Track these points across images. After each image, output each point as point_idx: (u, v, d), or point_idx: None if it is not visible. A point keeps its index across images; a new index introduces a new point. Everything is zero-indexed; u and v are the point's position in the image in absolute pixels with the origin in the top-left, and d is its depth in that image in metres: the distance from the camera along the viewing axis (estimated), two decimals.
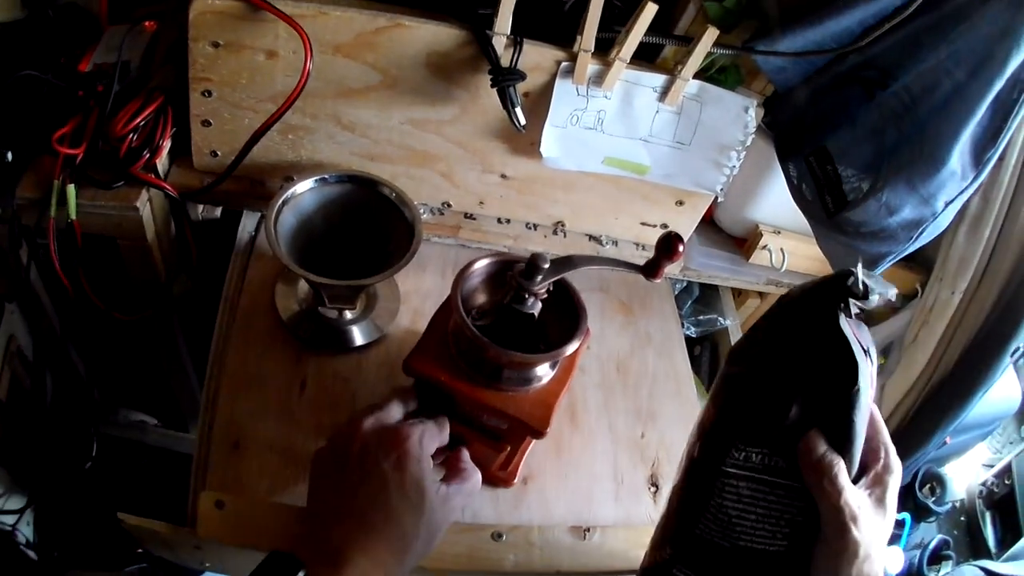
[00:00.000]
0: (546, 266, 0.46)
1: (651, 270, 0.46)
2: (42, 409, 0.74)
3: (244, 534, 0.52)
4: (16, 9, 0.76)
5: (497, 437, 0.53)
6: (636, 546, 0.58)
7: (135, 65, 0.67)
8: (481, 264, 0.50)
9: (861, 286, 0.39)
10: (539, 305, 0.48)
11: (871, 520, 0.41)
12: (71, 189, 0.62)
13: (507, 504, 0.57)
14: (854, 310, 0.40)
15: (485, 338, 0.46)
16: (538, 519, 0.57)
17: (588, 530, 0.57)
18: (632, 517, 0.59)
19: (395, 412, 0.49)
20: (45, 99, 0.67)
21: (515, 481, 0.58)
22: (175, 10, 0.69)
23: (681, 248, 0.44)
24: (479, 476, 0.51)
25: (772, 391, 0.41)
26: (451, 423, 0.51)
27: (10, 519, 0.76)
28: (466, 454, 0.52)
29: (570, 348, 0.47)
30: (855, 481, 0.42)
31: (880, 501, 0.42)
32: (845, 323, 0.39)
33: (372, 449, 0.46)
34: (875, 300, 0.39)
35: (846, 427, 0.40)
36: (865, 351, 0.41)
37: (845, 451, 0.40)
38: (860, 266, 0.39)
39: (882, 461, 0.43)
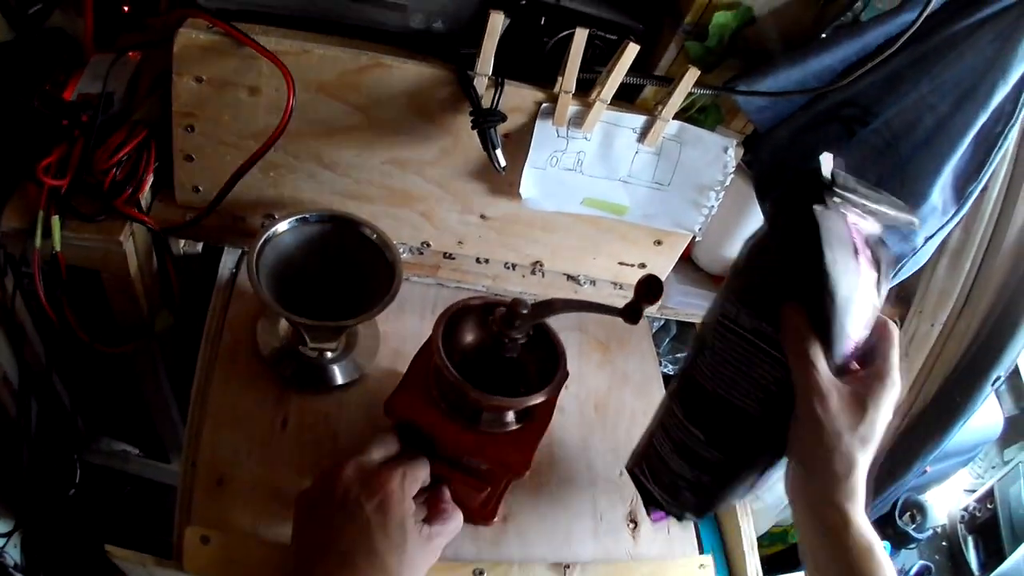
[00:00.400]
0: (525, 312, 0.46)
1: (632, 314, 0.45)
2: (27, 435, 0.75)
3: (229, 569, 0.53)
4: (4, 31, 0.76)
5: (478, 476, 0.54)
6: None
7: (119, 96, 0.67)
8: (462, 306, 0.51)
9: (829, 175, 0.44)
10: (519, 348, 0.49)
11: (843, 410, 0.43)
12: (56, 221, 0.62)
13: (487, 542, 0.58)
14: (836, 200, 0.44)
15: (466, 382, 0.47)
16: (518, 556, 0.58)
17: (568, 567, 0.58)
18: (611, 554, 0.60)
19: (377, 455, 0.50)
20: (29, 126, 0.67)
21: (495, 520, 0.58)
22: (159, 42, 0.69)
23: (660, 292, 0.44)
24: (460, 515, 0.52)
25: (766, 263, 0.47)
26: (432, 463, 0.52)
27: None
28: (447, 494, 0.53)
29: (546, 394, 0.48)
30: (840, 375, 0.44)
31: (860, 400, 0.44)
32: (824, 215, 0.43)
33: (355, 492, 0.47)
34: (850, 189, 0.45)
35: (821, 316, 0.43)
36: (873, 259, 0.46)
37: (823, 341, 0.44)
38: (826, 155, 0.45)
39: (876, 367, 0.45)
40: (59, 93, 0.69)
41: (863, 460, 0.45)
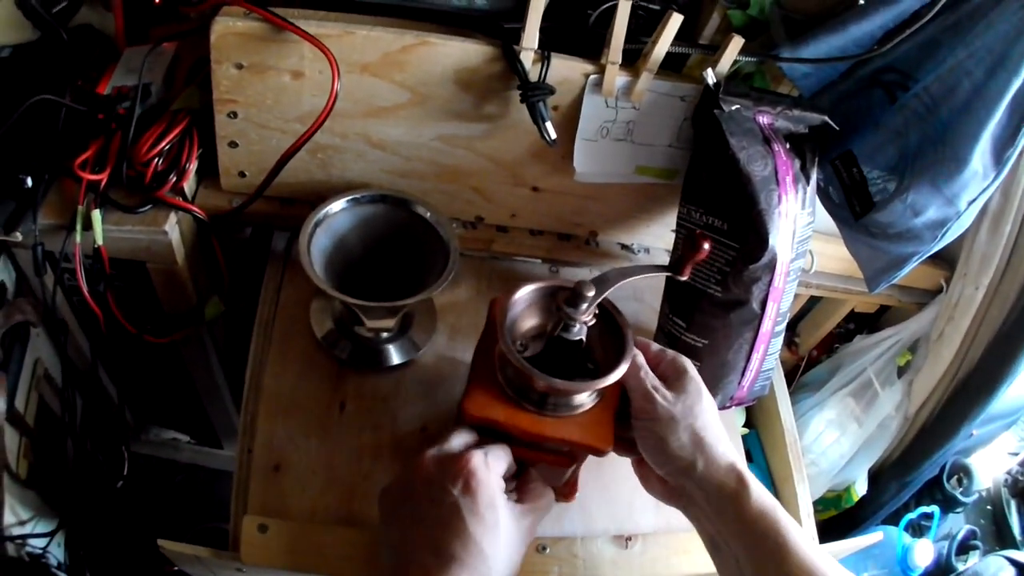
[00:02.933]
0: (591, 293, 0.46)
1: (677, 268, 0.49)
2: (72, 431, 0.75)
3: (288, 558, 0.53)
4: (27, 31, 0.76)
5: (560, 456, 0.54)
6: (677, 552, 0.59)
7: (156, 87, 0.67)
8: (522, 293, 0.50)
9: (712, 83, 0.58)
10: (585, 330, 0.49)
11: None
12: (96, 214, 0.62)
13: (550, 517, 0.58)
14: (727, 107, 0.58)
15: (541, 372, 0.46)
16: (581, 530, 0.58)
17: (630, 539, 0.59)
18: (672, 524, 0.60)
19: (456, 443, 0.49)
20: (63, 123, 0.67)
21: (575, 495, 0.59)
22: (195, 31, 0.70)
23: (707, 246, 0.47)
24: (551, 492, 0.51)
25: (698, 165, 0.61)
26: (514, 449, 0.51)
27: (41, 542, 0.77)
28: (533, 473, 0.52)
29: (622, 370, 0.48)
30: None
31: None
32: (725, 116, 0.58)
33: (437, 479, 0.45)
34: (740, 93, 0.58)
35: (746, 197, 0.56)
36: (794, 148, 0.60)
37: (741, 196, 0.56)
38: (708, 70, 0.58)
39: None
40: (92, 88, 0.70)
41: (717, 418, 0.50)
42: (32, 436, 0.75)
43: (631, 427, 0.52)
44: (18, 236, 0.64)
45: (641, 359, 0.51)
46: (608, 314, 0.52)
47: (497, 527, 0.45)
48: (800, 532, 0.46)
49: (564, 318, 0.48)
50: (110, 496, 0.76)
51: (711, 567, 0.60)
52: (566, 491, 0.58)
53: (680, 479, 0.50)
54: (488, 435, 0.51)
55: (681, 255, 0.49)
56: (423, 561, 0.43)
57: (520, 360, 0.47)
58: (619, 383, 0.50)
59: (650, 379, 0.50)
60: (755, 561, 0.46)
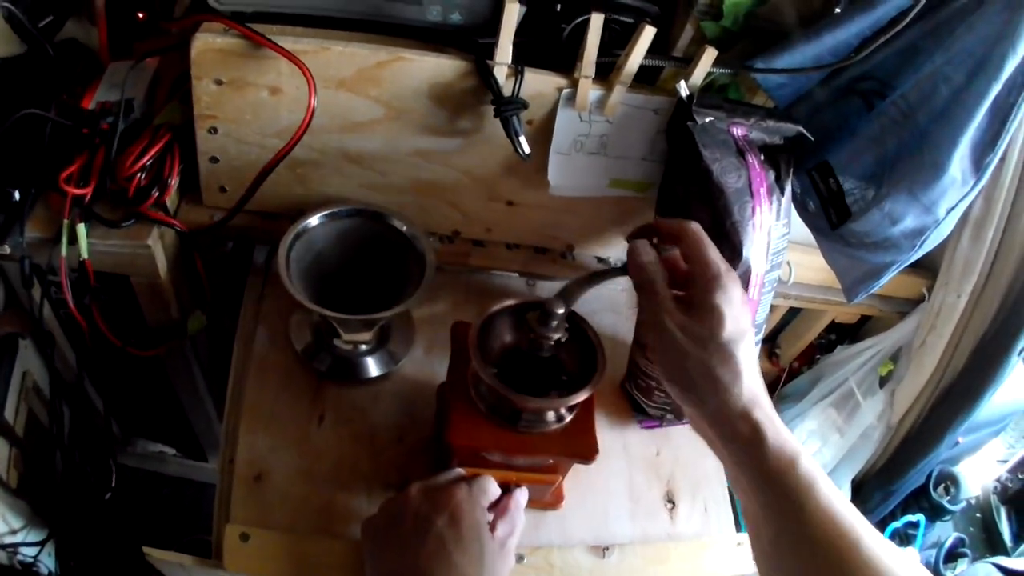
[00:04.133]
0: (560, 311, 0.47)
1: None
2: (60, 442, 0.77)
3: (270, 566, 0.54)
4: (14, 44, 0.78)
5: (545, 470, 0.55)
6: (654, 562, 0.60)
7: (139, 102, 0.68)
8: (491, 312, 0.51)
9: (685, 95, 0.59)
10: (555, 347, 0.50)
11: (695, 320, 0.43)
12: (82, 228, 0.64)
13: (527, 526, 0.59)
14: (700, 119, 0.59)
15: (517, 393, 0.47)
16: (558, 540, 0.59)
17: (606, 549, 0.59)
18: (649, 534, 0.61)
19: (442, 478, 0.51)
20: (49, 137, 0.68)
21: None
22: (177, 47, 0.71)
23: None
24: (521, 511, 0.53)
25: (672, 178, 0.62)
26: (500, 473, 0.53)
27: (32, 551, 0.78)
28: (512, 496, 0.53)
29: (591, 389, 0.49)
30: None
31: (706, 304, 0.43)
32: (698, 128, 0.58)
33: (424, 509, 0.47)
34: (713, 105, 0.59)
35: (720, 207, 0.57)
36: (767, 160, 0.60)
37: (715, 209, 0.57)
38: (680, 82, 0.59)
39: (700, 270, 0.45)
40: (77, 103, 0.71)
41: (744, 356, 0.43)
42: (22, 446, 0.77)
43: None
44: (6, 249, 0.65)
45: (657, 275, 0.45)
46: (576, 324, 0.52)
47: (482, 558, 0.46)
48: (823, 491, 0.41)
49: (536, 337, 0.48)
50: (99, 507, 0.78)
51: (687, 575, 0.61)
52: (552, 500, 0.59)
53: (691, 412, 0.46)
54: (476, 459, 0.52)
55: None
56: None
57: (496, 383, 0.47)
58: (594, 397, 0.51)
59: (665, 305, 0.44)
60: (773, 526, 0.43)
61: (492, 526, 0.50)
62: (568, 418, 0.52)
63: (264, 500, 0.58)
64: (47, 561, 0.80)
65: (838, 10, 0.63)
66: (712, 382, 0.43)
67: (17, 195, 0.66)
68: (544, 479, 0.56)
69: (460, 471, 0.52)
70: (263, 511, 0.57)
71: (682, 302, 0.45)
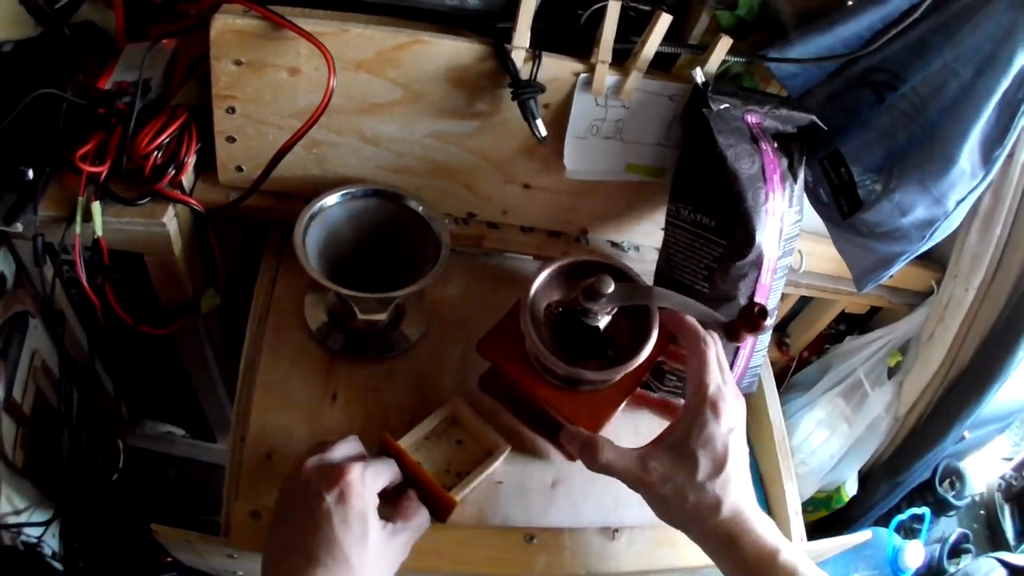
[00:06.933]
0: (609, 291, 0.48)
1: (731, 333, 0.51)
2: (68, 422, 0.78)
3: None
4: (29, 27, 0.80)
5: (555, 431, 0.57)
6: (663, 545, 0.62)
7: (156, 82, 0.70)
8: (554, 266, 0.53)
9: (701, 82, 0.60)
10: (606, 319, 0.51)
11: (672, 474, 0.50)
12: (96, 206, 0.65)
13: (538, 507, 0.61)
14: (716, 106, 0.61)
15: (550, 353, 0.49)
16: (568, 521, 0.61)
17: (616, 531, 0.61)
18: (657, 518, 0.63)
19: (339, 452, 0.52)
20: (64, 117, 0.70)
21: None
22: (194, 28, 0.73)
23: (766, 323, 0.48)
24: (426, 513, 0.54)
25: (687, 163, 0.64)
26: (508, 410, 0.56)
27: (36, 531, 0.79)
28: (413, 494, 0.54)
29: (632, 365, 0.51)
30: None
31: (683, 452, 0.50)
32: (713, 114, 0.60)
33: (315, 484, 0.49)
34: (728, 93, 0.61)
35: (732, 193, 0.58)
36: (781, 148, 0.62)
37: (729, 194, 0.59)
38: (696, 68, 0.61)
39: (687, 402, 0.52)
40: (93, 83, 0.73)
41: (723, 484, 0.49)
42: (29, 426, 0.78)
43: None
44: (19, 227, 0.66)
45: (629, 466, 0.51)
46: (646, 311, 0.53)
47: (365, 539, 0.47)
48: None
49: (577, 303, 0.50)
50: (105, 488, 0.79)
51: (695, 561, 0.62)
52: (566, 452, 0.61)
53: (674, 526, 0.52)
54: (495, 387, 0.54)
55: (736, 326, 0.51)
56: (292, 563, 0.47)
57: (535, 340, 0.49)
58: (635, 379, 0.53)
59: (643, 480, 0.50)
60: None
61: (388, 515, 0.51)
62: (597, 388, 0.53)
63: (275, 478, 0.59)
64: (51, 542, 0.81)
65: (850, 2, 0.65)
66: (694, 517, 0.50)
67: (31, 174, 0.68)
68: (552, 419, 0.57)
69: (358, 448, 0.53)
70: (273, 489, 0.58)
71: (664, 437, 0.52)
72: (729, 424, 0.50)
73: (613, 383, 0.54)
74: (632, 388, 0.54)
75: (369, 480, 0.50)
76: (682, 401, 0.58)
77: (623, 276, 0.52)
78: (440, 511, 0.54)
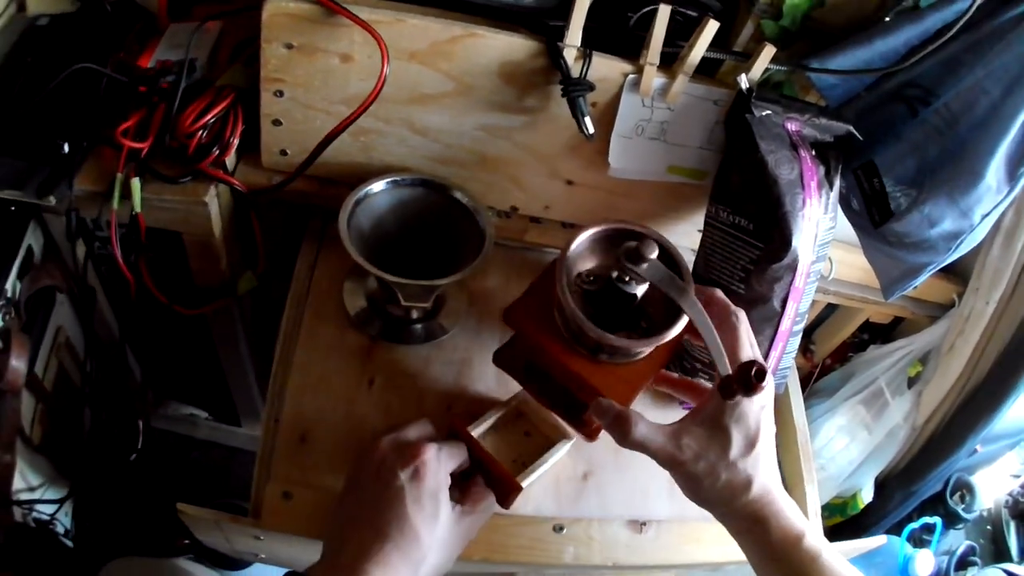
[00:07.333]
0: (653, 255, 0.48)
1: (725, 391, 0.48)
2: (90, 401, 0.78)
3: (311, 526, 0.56)
4: (66, 2, 0.81)
5: (577, 413, 0.57)
6: (689, 541, 0.64)
7: (201, 63, 0.71)
8: (595, 229, 0.53)
9: (745, 87, 0.63)
10: (644, 286, 0.51)
11: (705, 451, 0.49)
12: (136, 182, 0.66)
13: (567, 498, 0.63)
14: (761, 107, 0.64)
15: (586, 319, 0.48)
16: (597, 513, 0.62)
17: (644, 524, 0.63)
18: (685, 512, 0.64)
19: (414, 432, 0.53)
20: (103, 93, 0.71)
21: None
22: (244, 10, 0.74)
23: (764, 384, 0.45)
24: (493, 498, 0.55)
25: (728, 167, 0.66)
26: (535, 395, 0.55)
27: (49, 509, 0.80)
28: (480, 479, 0.55)
29: (670, 335, 0.50)
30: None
31: (716, 427, 0.49)
32: (756, 120, 0.63)
33: (390, 461, 0.50)
34: (771, 100, 0.64)
35: (771, 198, 0.61)
36: (819, 156, 0.65)
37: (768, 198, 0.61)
38: (742, 75, 0.63)
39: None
40: (134, 61, 0.74)
41: (754, 462, 0.49)
42: (48, 402, 0.78)
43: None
44: (52, 201, 0.67)
45: (663, 444, 0.49)
46: (675, 270, 0.51)
47: (436, 519, 0.49)
48: (826, 563, 0.47)
49: (621, 270, 0.50)
50: (122, 468, 0.80)
51: (721, 556, 0.64)
52: (589, 431, 0.60)
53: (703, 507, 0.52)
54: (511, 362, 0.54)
55: (731, 385, 0.47)
56: (362, 536, 0.47)
57: (569, 303, 0.48)
58: (665, 354, 0.53)
59: (675, 458, 0.49)
60: None
61: (456, 499, 0.52)
62: (628, 361, 0.52)
63: (308, 460, 0.60)
64: (63, 520, 0.81)
65: (888, 18, 0.68)
66: (724, 496, 0.49)
67: (67, 147, 0.68)
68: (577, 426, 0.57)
69: (430, 429, 0.55)
70: (306, 471, 0.59)
71: (696, 413, 0.51)
72: (761, 401, 0.50)
73: (645, 356, 0.54)
74: (664, 362, 0.54)
75: (444, 460, 0.51)
76: (700, 380, 0.57)
77: (661, 247, 0.51)
78: (505, 497, 0.55)
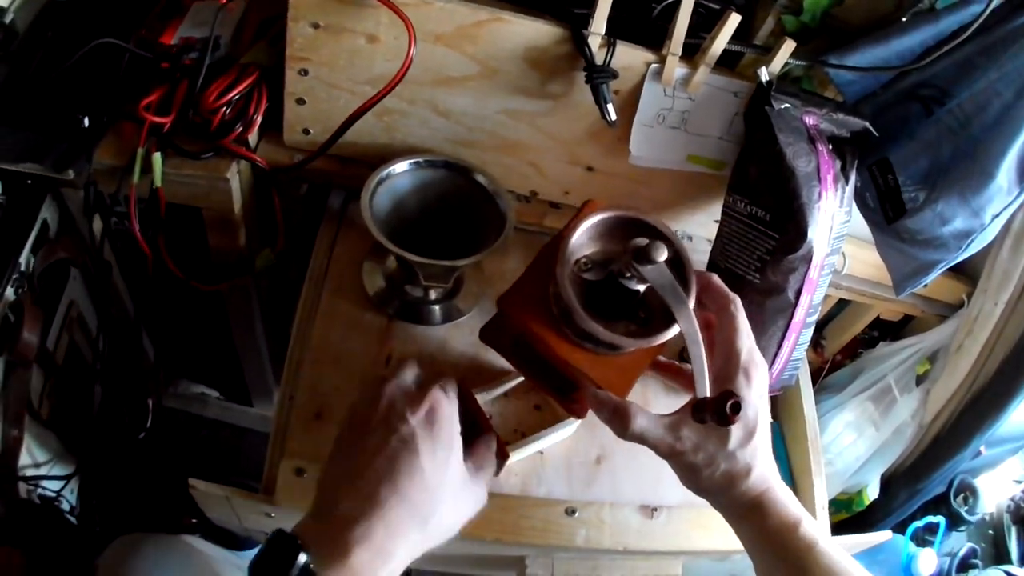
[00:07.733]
0: (662, 258, 0.47)
1: (696, 413, 0.48)
2: (101, 377, 0.79)
3: None
4: None
5: (566, 390, 0.57)
6: (698, 527, 0.65)
7: (225, 41, 0.73)
8: (599, 217, 0.51)
9: (765, 80, 0.65)
10: (646, 284, 0.50)
11: (704, 441, 0.48)
12: (157, 157, 0.67)
13: (580, 481, 0.64)
14: (781, 100, 0.66)
15: (585, 315, 0.47)
16: (609, 497, 0.63)
17: (655, 510, 0.64)
18: (695, 500, 0.64)
19: (410, 375, 0.50)
20: (124, 69, 0.72)
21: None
22: None
23: (737, 418, 0.45)
24: (495, 463, 0.52)
25: (747, 158, 0.67)
26: (522, 371, 0.55)
27: (55, 485, 0.80)
28: (485, 441, 0.53)
29: (661, 339, 0.49)
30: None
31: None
32: (775, 113, 0.65)
33: (399, 406, 0.45)
34: (790, 93, 0.66)
35: (788, 190, 0.63)
36: (835, 150, 0.67)
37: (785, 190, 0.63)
38: (763, 69, 0.65)
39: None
40: (156, 38, 0.75)
41: (752, 451, 0.48)
42: (58, 376, 0.79)
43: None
44: (70, 174, 0.68)
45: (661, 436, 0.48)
46: (682, 274, 0.50)
47: (448, 468, 0.45)
48: (823, 551, 0.47)
49: (625, 266, 0.49)
50: (130, 446, 0.80)
51: (729, 544, 0.65)
52: (577, 408, 0.59)
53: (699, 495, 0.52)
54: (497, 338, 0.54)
55: (704, 414, 0.47)
56: (365, 489, 0.43)
57: (568, 291, 0.47)
58: (659, 348, 0.52)
59: (675, 447, 0.48)
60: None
61: (468, 454, 0.49)
62: (621, 353, 0.51)
63: (322, 437, 0.61)
64: (69, 497, 0.82)
65: (905, 18, 0.70)
66: (723, 485, 0.49)
67: (87, 122, 0.69)
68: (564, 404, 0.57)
69: (419, 370, 0.50)
70: (320, 448, 0.59)
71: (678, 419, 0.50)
72: (759, 391, 0.50)
73: (638, 351, 0.52)
74: (660, 351, 0.53)
75: (454, 400, 0.48)
76: (689, 367, 0.57)
77: (669, 242, 0.50)
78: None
